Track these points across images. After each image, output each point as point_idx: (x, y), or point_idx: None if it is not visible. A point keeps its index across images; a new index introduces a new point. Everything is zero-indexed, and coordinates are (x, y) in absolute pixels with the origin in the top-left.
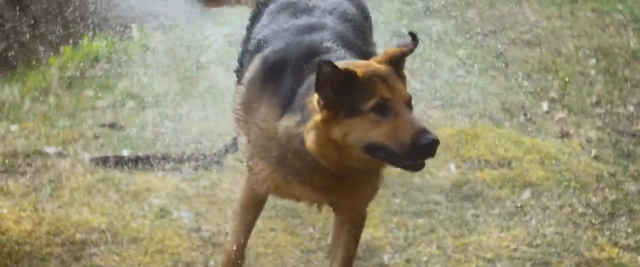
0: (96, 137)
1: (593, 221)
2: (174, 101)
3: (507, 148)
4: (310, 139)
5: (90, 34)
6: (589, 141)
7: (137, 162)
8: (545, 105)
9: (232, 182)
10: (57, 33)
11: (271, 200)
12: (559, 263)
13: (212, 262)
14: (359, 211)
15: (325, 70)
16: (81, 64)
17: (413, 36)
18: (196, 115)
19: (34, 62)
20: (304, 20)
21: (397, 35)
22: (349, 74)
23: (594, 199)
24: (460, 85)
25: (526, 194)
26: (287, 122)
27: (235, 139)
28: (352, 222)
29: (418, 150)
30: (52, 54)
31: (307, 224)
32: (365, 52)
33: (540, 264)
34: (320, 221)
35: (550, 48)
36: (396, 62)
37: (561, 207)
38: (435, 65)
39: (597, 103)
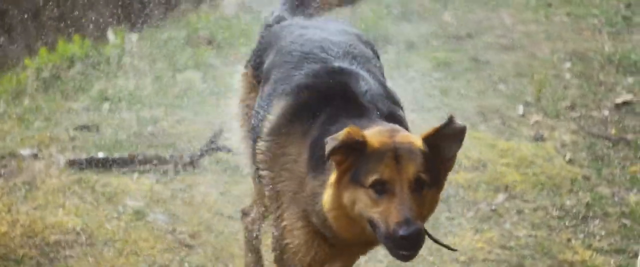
0: (71, 139)
1: (567, 223)
2: (149, 104)
3: (482, 151)
4: (325, 200)
5: (66, 36)
6: (563, 144)
7: (113, 164)
8: (520, 109)
9: (208, 185)
10: (33, 36)
11: None
12: (532, 266)
13: (187, 265)
14: None
15: (336, 140)
16: (57, 66)
17: (450, 119)
18: (172, 118)
19: (9, 65)
20: (325, 60)
21: (374, 39)
22: (360, 142)
23: (568, 202)
24: (436, 88)
25: (500, 197)
26: (313, 183)
27: (210, 141)
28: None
29: (395, 240)
30: (27, 56)
31: None
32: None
33: (514, 266)
34: None
35: (525, 52)
36: (433, 140)
37: (535, 210)
38: (411, 68)
39: (572, 107)
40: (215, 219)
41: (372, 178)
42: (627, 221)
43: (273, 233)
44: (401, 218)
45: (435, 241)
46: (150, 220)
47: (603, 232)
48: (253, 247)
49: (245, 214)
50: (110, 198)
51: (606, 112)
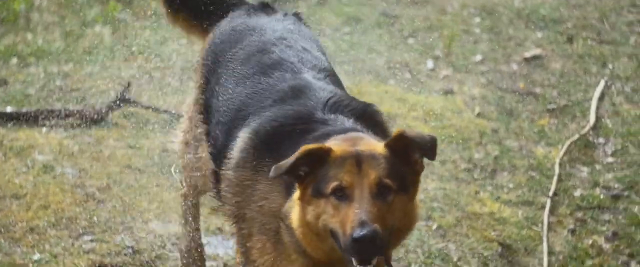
0: None
1: (475, 176)
2: (58, 58)
3: (391, 105)
4: (292, 218)
5: None
6: (472, 98)
7: (21, 118)
8: (430, 63)
9: (116, 139)
10: None
11: None
12: (441, 218)
13: (95, 218)
14: None
15: (287, 166)
16: None
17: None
18: (81, 73)
19: None
20: (279, 78)
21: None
22: (324, 151)
23: (477, 155)
24: (346, 43)
25: None
26: (291, 203)
27: (119, 95)
28: None
29: (350, 244)
30: None
31: None
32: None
33: (423, 219)
34: None
35: (435, 6)
36: (397, 146)
37: (444, 162)
38: (321, 23)
39: (481, 61)
40: (124, 172)
41: (332, 185)
42: (534, 174)
43: (239, 249)
44: (356, 221)
45: None
46: (59, 174)
47: (511, 185)
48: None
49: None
50: (18, 152)
51: (515, 67)
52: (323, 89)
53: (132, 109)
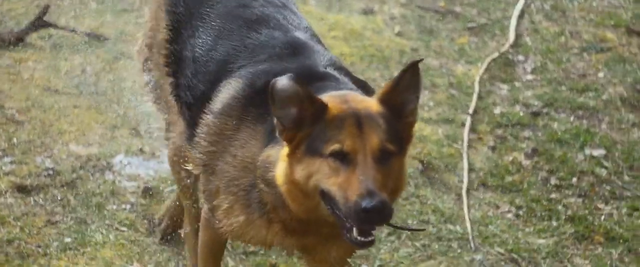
0: None
1: None
2: None
3: (311, 24)
4: (277, 173)
5: None
6: (392, 17)
7: None
8: None
9: (36, 61)
10: None
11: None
12: None
13: (15, 140)
14: None
15: (284, 87)
16: None
17: (413, 64)
18: None
19: None
20: (269, 35)
21: None
22: (320, 105)
23: (397, 74)
24: None
25: None
26: (270, 151)
27: (38, 16)
28: None
29: (357, 213)
30: None
31: (112, 101)
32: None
33: None
34: (124, 100)
35: None
36: (391, 99)
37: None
38: None
39: None
40: (44, 94)
41: (332, 147)
42: (454, 92)
43: (205, 204)
44: (363, 190)
45: (399, 228)
46: None
47: (431, 103)
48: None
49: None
50: None
51: None
52: (322, 53)
53: (50, 31)
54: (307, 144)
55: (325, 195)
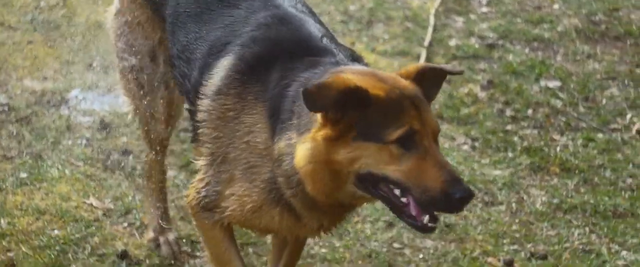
0: None
1: (351, 28)
2: None
3: None
4: (301, 153)
5: None
6: None
7: None
8: None
9: None
10: None
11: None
12: None
13: None
14: None
15: (326, 91)
16: None
17: (449, 72)
18: None
19: None
20: (249, 8)
21: None
22: (363, 93)
23: (352, 7)
24: None
25: None
26: (279, 145)
27: None
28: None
29: (447, 202)
30: None
31: (66, 36)
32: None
33: None
34: (78, 35)
35: None
36: (424, 80)
37: (319, 14)
38: None
39: None
40: None
41: (399, 131)
42: (410, 24)
43: (208, 185)
44: (448, 178)
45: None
46: None
47: (386, 36)
48: (158, 196)
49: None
50: None
51: None
52: (310, 23)
53: None
54: (359, 129)
55: (374, 179)
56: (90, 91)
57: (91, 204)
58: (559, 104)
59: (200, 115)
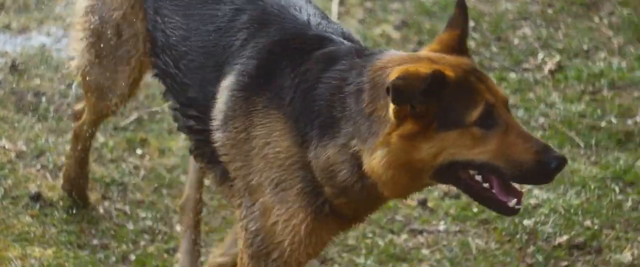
0: None
1: None
2: None
3: None
4: (377, 161)
5: None
6: None
7: None
8: None
9: None
10: None
11: None
12: None
13: None
14: None
15: (407, 82)
16: None
17: (461, 6)
18: None
19: None
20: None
21: None
22: (438, 76)
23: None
24: None
25: None
26: (329, 153)
27: None
28: None
29: (542, 173)
30: None
31: None
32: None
33: None
34: None
35: None
36: (455, 49)
37: None
38: None
39: None
40: None
41: (478, 111)
42: None
43: (247, 230)
44: (538, 148)
45: None
46: None
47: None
48: (81, 159)
49: (76, 117)
50: None
51: None
52: (290, 10)
53: None
54: (439, 118)
55: (455, 168)
56: (2, 33)
57: (3, 146)
58: (471, 44)
59: (219, 152)
